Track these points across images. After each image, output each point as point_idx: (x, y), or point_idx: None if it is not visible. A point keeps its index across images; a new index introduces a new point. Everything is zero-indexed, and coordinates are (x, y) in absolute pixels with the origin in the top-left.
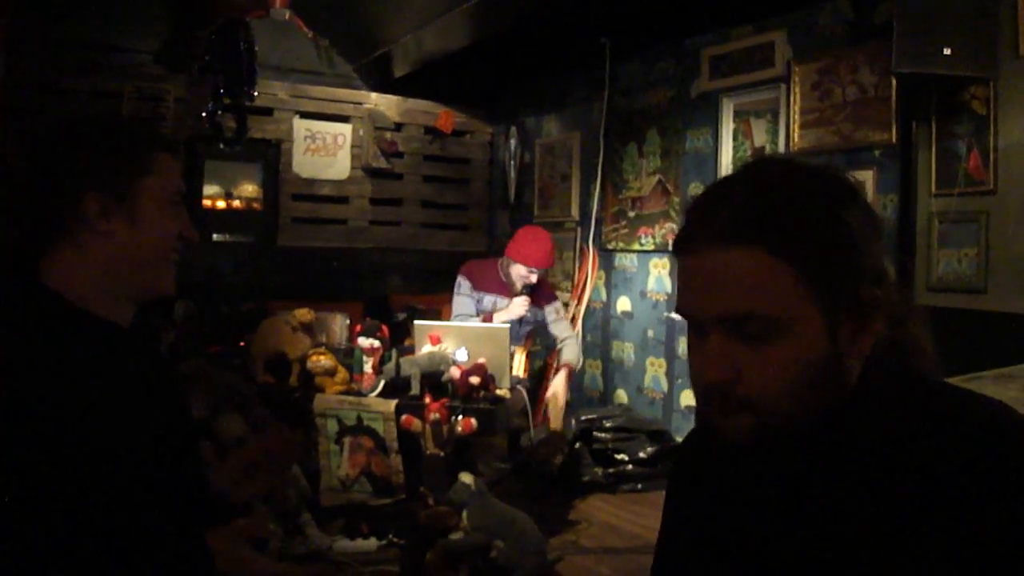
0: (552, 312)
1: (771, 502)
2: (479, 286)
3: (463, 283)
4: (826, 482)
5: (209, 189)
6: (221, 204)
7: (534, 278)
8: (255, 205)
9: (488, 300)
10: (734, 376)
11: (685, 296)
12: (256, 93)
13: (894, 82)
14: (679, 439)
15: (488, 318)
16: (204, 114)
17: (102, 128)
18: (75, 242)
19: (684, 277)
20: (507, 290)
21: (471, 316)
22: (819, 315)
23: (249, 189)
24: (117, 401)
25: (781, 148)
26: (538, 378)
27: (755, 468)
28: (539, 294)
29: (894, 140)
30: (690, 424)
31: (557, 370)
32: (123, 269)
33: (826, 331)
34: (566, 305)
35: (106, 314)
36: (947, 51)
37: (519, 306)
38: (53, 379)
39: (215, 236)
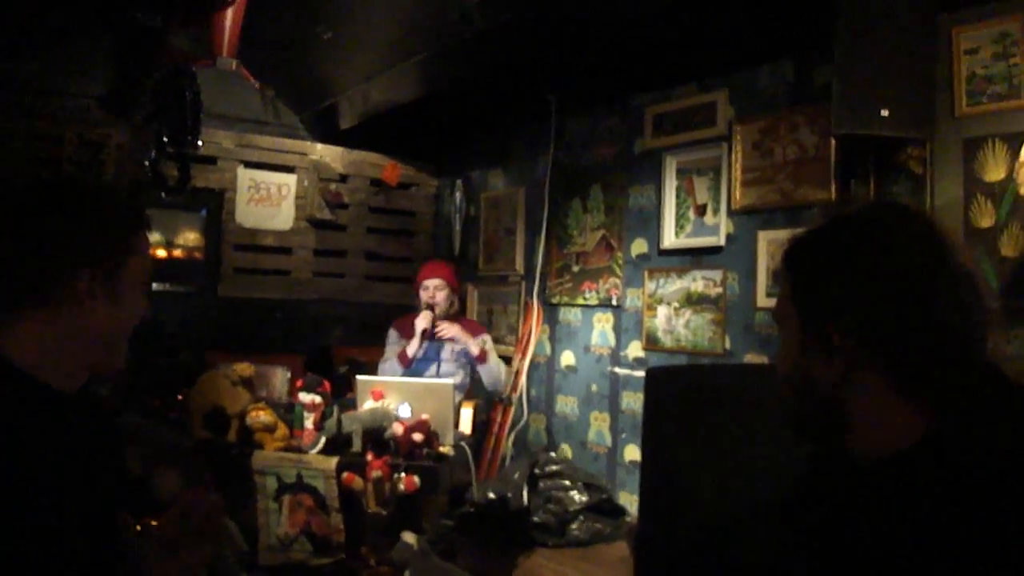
0: (478, 346)
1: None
2: (407, 333)
3: (391, 334)
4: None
5: (150, 237)
6: (162, 253)
7: (436, 294)
8: (196, 254)
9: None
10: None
11: None
12: (201, 143)
13: (833, 142)
14: (624, 495)
15: (403, 355)
16: (147, 163)
17: (98, 201)
18: (52, 313)
19: None
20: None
21: (395, 364)
22: (797, 330)
23: (191, 238)
24: (58, 469)
25: (723, 206)
26: (482, 432)
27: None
28: (465, 329)
29: (833, 198)
30: (634, 479)
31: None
32: (91, 344)
33: (797, 345)
34: (508, 360)
35: (56, 383)
36: (885, 113)
37: (421, 319)
38: None
39: (155, 285)
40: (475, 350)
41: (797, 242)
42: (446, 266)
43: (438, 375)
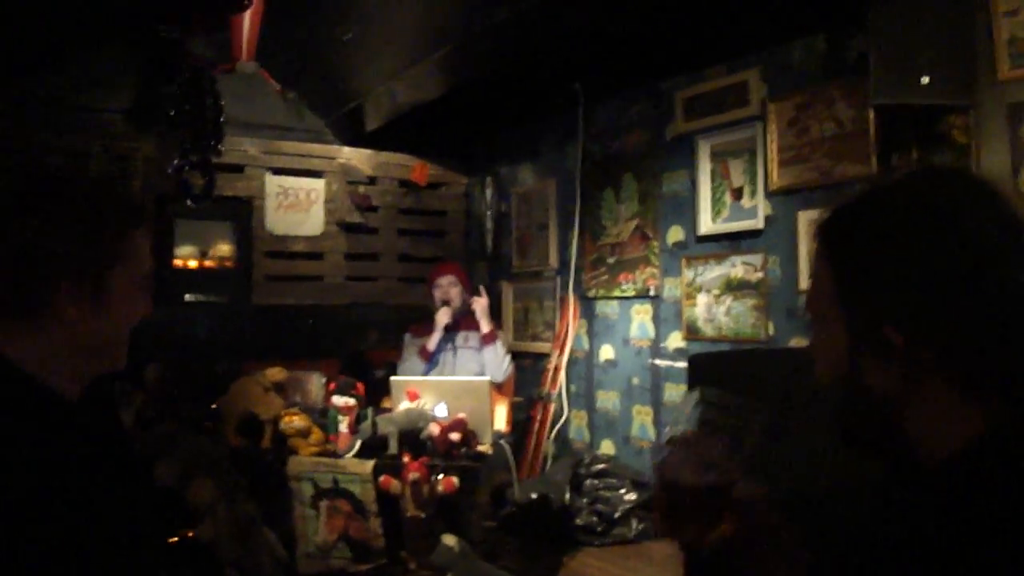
0: (489, 325)
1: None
2: (419, 334)
3: (406, 338)
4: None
5: (181, 249)
6: (193, 264)
7: (449, 290)
8: (228, 264)
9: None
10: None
11: None
12: (222, 148)
13: (871, 115)
14: None
15: (423, 350)
16: (170, 171)
17: (81, 203)
18: (36, 325)
19: None
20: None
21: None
22: (843, 330)
23: (222, 248)
24: (79, 479)
25: (760, 188)
26: (523, 430)
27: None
28: (480, 333)
29: (875, 173)
30: None
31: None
32: (82, 353)
33: (846, 350)
34: (547, 355)
35: (60, 389)
36: (925, 80)
37: (442, 315)
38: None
39: (187, 296)
40: (486, 327)
41: (834, 221)
42: (455, 265)
43: (455, 365)
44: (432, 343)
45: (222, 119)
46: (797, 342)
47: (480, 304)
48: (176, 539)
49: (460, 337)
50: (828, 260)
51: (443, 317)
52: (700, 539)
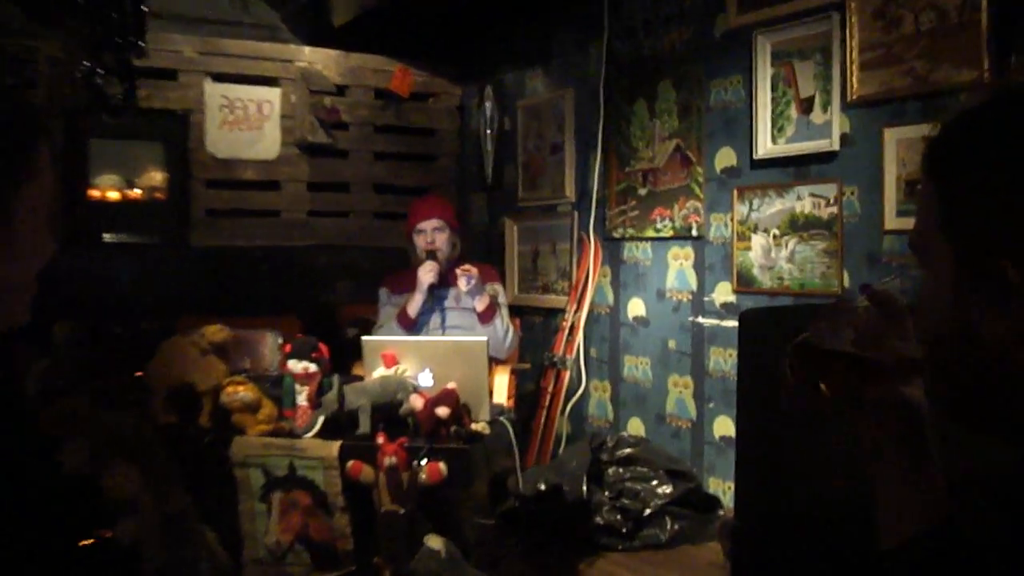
0: (484, 301)
1: None
2: (399, 290)
3: (382, 294)
4: None
5: (99, 177)
6: (114, 195)
7: (435, 237)
8: (159, 195)
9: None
10: None
11: None
12: (146, 47)
13: (984, 2)
14: (714, 482)
15: (403, 315)
16: (79, 76)
17: None
18: None
19: None
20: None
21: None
22: (951, 263)
23: (151, 176)
24: None
25: (835, 98)
26: (530, 405)
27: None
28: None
29: (986, 78)
30: (727, 461)
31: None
32: None
33: (952, 285)
34: (562, 311)
35: None
36: None
37: (425, 272)
38: None
39: (107, 236)
40: (480, 305)
41: (943, 136)
42: (442, 202)
43: (443, 330)
44: (413, 307)
45: (145, 9)
46: None
47: (469, 275)
48: (90, 540)
49: (450, 296)
50: (934, 182)
51: (427, 275)
52: (826, 393)
